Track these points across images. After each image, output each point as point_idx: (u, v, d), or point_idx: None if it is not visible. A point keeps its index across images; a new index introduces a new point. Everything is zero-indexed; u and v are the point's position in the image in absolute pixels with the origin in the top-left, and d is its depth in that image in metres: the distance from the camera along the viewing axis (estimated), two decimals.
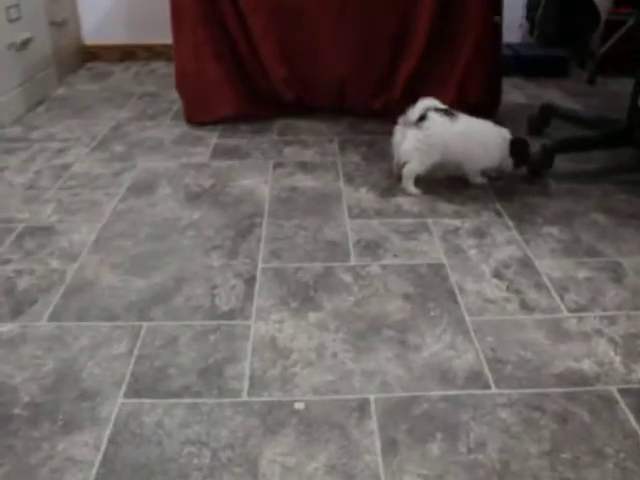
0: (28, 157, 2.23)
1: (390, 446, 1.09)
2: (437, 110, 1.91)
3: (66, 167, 2.16)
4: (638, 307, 1.44)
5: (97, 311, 1.43)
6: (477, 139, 1.94)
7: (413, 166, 1.94)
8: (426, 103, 1.92)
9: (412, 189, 1.96)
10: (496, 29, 2.41)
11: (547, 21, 2.00)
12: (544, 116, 2.43)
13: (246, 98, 2.53)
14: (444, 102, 2.15)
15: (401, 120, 1.96)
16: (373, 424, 1.13)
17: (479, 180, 2.03)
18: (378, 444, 1.10)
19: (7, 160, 2.21)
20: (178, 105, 2.65)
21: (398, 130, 1.98)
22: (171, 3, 2.38)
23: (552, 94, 2.92)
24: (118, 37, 3.46)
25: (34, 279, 1.54)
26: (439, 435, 1.11)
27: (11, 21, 2.53)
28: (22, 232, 1.75)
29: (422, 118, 1.89)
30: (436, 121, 1.89)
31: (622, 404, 1.17)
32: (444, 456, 1.08)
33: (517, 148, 1.98)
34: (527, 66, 3.21)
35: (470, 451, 1.08)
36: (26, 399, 1.19)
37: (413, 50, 2.42)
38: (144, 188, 2.00)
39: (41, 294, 1.49)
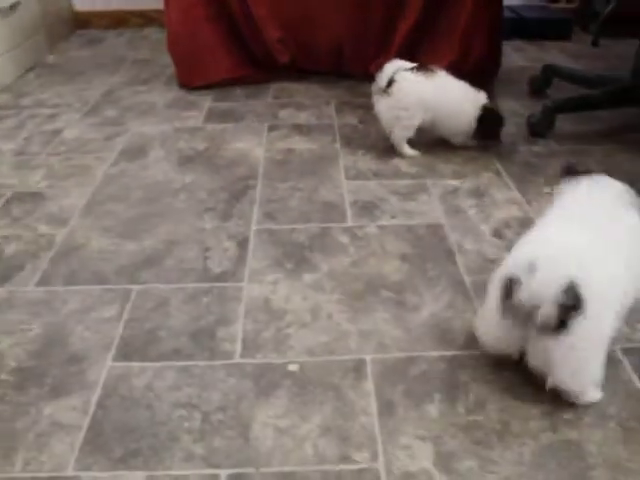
0: (17, 124, 2.18)
1: (386, 407, 1.06)
2: (408, 69, 1.82)
3: (57, 133, 2.11)
4: None
5: (87, 275, 1.40)
6: (454, 97, 1.85)
7: (399, 133, 1.88)
8: (393, 66, 1.84)
9: (408, 151, 1.90)
10: None
11: None
12: (546, 77, 2.37)
13: (240, 61, 2.47)
14: (445, 63, 2.10)
15: (373, 88, 1.89)
16: (369, 385, 1.10)
17: (460, 140, 1.92)
18: (374, 405, 1.06)
19: None
20: (171, 70, 2.59)
21: (375, 100, 1.90)
22: None
23: (554, 56, 2.85)
24: (110, 3, 3.37)
25: (22, 245, 1.50)
26: (437, 396, 1.08)
27: None
28: (10, 198, 1.70)
29: (391, 83, 1.81)
30: (406, 81, 1.80)
31: (625, 363, 1.14)
32: (442, 417, 1.04)
33: (486, 118, 1.87)
34: (529, 29, 3.13)
35: (469, 412, 1.05)
36: (13, 364, 1.16)
37: (411, 10, 2.35)
38: (136, 152, 1.96)
39: (29, 259, 1.45)
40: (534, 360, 1.05)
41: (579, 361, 1.02)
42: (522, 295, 0.98)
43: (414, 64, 1.86)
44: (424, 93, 1.82)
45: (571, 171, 1.21)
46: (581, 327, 0.97)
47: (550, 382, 1.04)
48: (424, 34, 2.36)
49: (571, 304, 0.95)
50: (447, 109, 1.85)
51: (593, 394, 1.06)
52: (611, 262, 1.03)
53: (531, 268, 0.98)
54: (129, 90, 2.48)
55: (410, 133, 1.88)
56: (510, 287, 1.00)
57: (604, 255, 1.03)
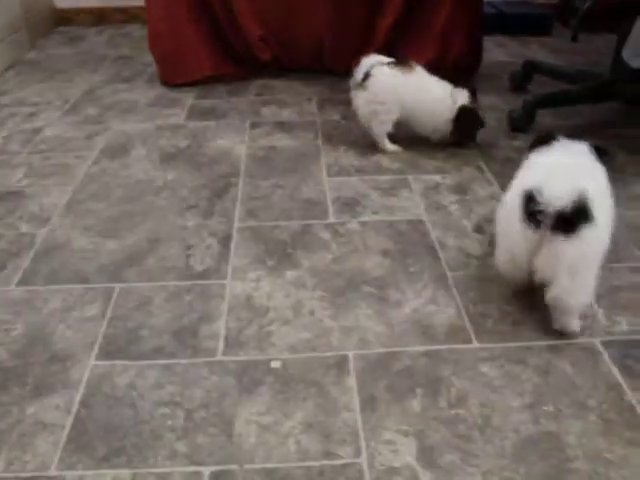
0: None
1: (369, 402, 1.07)
2: (384, 64, 1.82)
3: (37, 131, 2.09)
4: (620, 260, 1.41)
5: (68, 274, 1.39)
6: (430, 95, 1.85)
7: (376, 128, 1.88)
8: (370, 60, 1.85)
9: (389, 147, 1.90)
10: None
11: None
12: (526, 72, 2.38)
13: (222, 59, 2.47)
14: (424, 60, 2.10)
15: (350, 83, 1.89)
16: (352, 381, 1.11)
17: (437, 137, 1.92)
18: (357, 401, 1.07)
19: None
20: (153, 68, 2.58)
21: (353, 94, 1.90)
22: None
23: (535, 52, 2.87)
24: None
25: (3, 244, 1.49)
26: (419, 391, 1.09)
27: None
28: None
29: (367, 77, 1.81)
30: (382, 75, 1.80)
31: (605, 356, 1.16)
32: (424, 412, 1.05)
33: (463, 118, 1.86)
34: (510, 24, 3.14)
35: (451, 406, 1.06)
36: None
37: (391, 7, 2.35)
38: (118, 150, 1.95)
39: (10, 259, 1.44)
40: (543, 266, 1.14)
41: (583, 270, 1.13)
42: (544, 199, 1.10)
43: (391, 59, 1.86)
44: (400, 88, 1.82)
45: (545, 140, 1.31)
46: (590, 234, 1.10)
47: (549, 296, 1.16)
48: (404, 31, 2.37)
49: (583, 207, 1.09)
50: (423, 106, 1.85)
51: (576, 325, 1.20)
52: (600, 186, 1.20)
53: (549, 178, 1.12)
54: (110, 88, 2.47)
55: (388, 127, 1.88)
56: (531, 197, 1.12)
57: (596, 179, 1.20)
